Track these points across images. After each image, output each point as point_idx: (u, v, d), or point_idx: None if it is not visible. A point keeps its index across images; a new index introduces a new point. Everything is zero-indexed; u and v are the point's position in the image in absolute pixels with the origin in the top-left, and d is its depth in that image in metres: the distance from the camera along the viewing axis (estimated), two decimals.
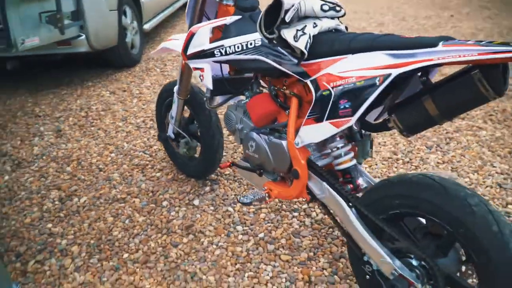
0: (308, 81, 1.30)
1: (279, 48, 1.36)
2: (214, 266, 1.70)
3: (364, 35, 1.22)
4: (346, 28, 1.39)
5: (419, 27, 5.61)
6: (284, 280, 1.61)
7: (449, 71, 1.09)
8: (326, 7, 1.32)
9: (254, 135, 1.56)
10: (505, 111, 2.94)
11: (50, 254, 1.83)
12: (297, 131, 1.38)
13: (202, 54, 1.59)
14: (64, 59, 4.52)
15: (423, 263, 1.17)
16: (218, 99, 1.89)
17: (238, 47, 1.47)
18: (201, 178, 2.26)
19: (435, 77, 1.21)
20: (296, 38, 1.28)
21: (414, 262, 1.19)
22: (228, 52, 1.50)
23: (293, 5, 1.28)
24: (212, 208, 2.05)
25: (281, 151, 1.45)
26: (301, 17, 1.33)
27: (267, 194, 1.53)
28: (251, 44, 1.44)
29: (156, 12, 5.11)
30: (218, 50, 1.53)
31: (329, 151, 1.42)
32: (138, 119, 3.11)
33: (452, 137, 2.61)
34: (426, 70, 1.19)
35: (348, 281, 1.59)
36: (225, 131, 2.74)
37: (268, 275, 1.64)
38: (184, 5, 6.55)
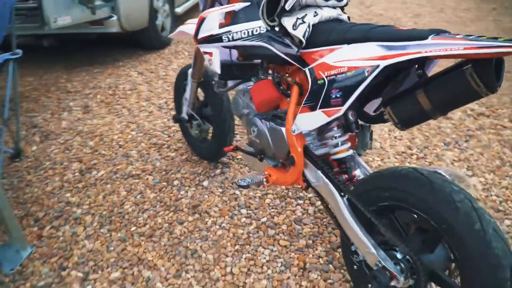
0: (306, 70, 1.32)
1: (281, 35, 1.38)
2: (215, 245, 1.76)
3: (359, 25, 1.22)
4: (349, 18, 1.38)
5: (457, 20, 5.40)
6: (279, 264, 1.65)
7: (447, 64, 1.07)
8: None
9: (257, 120, 1.59)
10: None
11: (65, 221, 1.95)
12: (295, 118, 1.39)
13: (211, 39, 1.63)
14: (99, 39, 4.67)
15: (407, 257, 1.18)
16: (229, 83, 1.93)
17: (244, 33, 1.49)
18: (212, 160, 2.32)
19: (434, 70, 1.20)
20: (295, 27, 1.29)
21: (399, 255, 1.20)
22: (235, 38, 1.53)
23: None
24: (220, 190, 2.11)
25: (280, 137, 1.47)
26: (303, 6, 1.34)
27: (265, 179, 1.56)
28: (256, 30, 1.46)
29: None
30: (225, 36, 1.56)
31: (327, 140, 1.43)
32: (161, 100, 3.20)
33: (473, 134, 2.53)
34: (422, 63, 1.18)
35: (342, 271, 1.61)
36: None
37: (265, 258, 1.68)
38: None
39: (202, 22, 1.66)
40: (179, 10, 4.70)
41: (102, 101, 3.25)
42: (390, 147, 2.42)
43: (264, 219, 1.89)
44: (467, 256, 1.03)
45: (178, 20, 4.64)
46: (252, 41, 1.47)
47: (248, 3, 1.58)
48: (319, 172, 1.39)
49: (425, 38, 1.03)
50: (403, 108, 1.18)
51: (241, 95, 1.77)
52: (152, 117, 2.95)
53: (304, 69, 1.33)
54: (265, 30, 1.43)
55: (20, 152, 2.49)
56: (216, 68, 1.67)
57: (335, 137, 1.40)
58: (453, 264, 1.20)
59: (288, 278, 1.58)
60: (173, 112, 2.99)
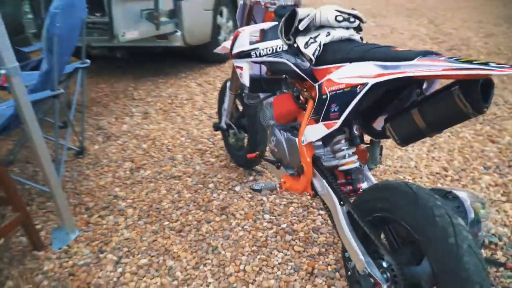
0: (316, 85, 1.42)
1: (298, 53, 1.50)
2: (234, 244, 1.90)
3: (362, 46, 1.30)
4: (361, 38, 1.47)
5: None
6: (289, 267, 1.74)
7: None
8: (340, 18, 1.43)
9: (276, 130, 1.72)
10: None
11: (111, 212, 2.20)
12: None
13: (242, 54, 1.78)
14: (164, 52, 5.07)
15: (392, 266, 1.23)
16: (261, 96, 2.07)
17: (269, 50, 1.63)
18: (247, 168, 2.47)
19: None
20: (306, 45, 1.41)
21: (385, 264, 1.25)
22: (261, 54, 1.67)
23: (308, 15, 1.42)
24: (249, 195, 2.25)
25: (294, 147, 1.59)
26: (317, 27, 1.46)
27: (278, 185, 1.68)
28: (279, 48, 1.59)
29: None
30: (254, 52, 1.71)
31: (337, 153, 1.51)
32: (212, 110, 3.43)
33: None
34: (419, 82, 1.24)
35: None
36: None
37: (277, 260, 1.78)
38: None
39: (236, 39, 1.83)
40: None
41: (161, 109, 3.56)
42: (425, 167, 2.41)
43: (284, 225, 1.99)
44: (441, 270, 1.07)
45: None
46: (275, 57, 1.61)
47: (276, 23, 1.73)
48: (324, 181, 1.48)
49: (412, 59, 1.10)
50: (400, 126, 1.25)
51: (268, 107, 1.90)
52: (202, 125, 3.18)
53: (315, 84, 1.44)
54: (286, 48, 1.56)
55: (83, 150, 2.83)
56: (246, 81, 1.82)
57: (342, 150, 1.48)
58: None
59: (295, 280, 1.67)
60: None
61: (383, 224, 1.32)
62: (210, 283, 1.69)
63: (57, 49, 2.15)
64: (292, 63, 1.53)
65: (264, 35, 1.75)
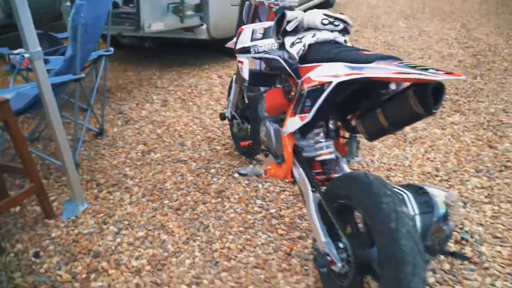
0: (299, 81, 1.55)
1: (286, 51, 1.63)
2: (224, 224, 2.06)
3: (338, 48, 1.42)
4: (345, 41, 1.58)
5: None
6: (270, 248, 1.88)
7: None
8: (326, 21, 1.54)
9: (267, 122, 1.86)
10: None
11: (118, 189, 2.40)
12: None
13: (243, 50, 1.93)
14: (191, 44, 5.27)
15: (347, 247, 1.35)
16: (260, 89, 2.21)
17: (266, 48, 1.77)
18: (249, 157, 2.62)
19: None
20: (292, 45, 1.54)
21: (341, 245, 1.37)
22: (259, 51, 1.82)
23: (296, 18, 1.55)
24: (246, 182, 2.40)
25: (279, 137, 1.72)
26: (305, 28, 1.58)
27: (263, 171, 1.82)
28: (274, 46, 1.73)
29: None
30: (253, 49, 1.86)
31: (316, 144, 1.64)
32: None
33: (511, 166, 2.46)
34: (385, 83, 1.35)
35: None
36: None
37: (260, 241, 1.93)
38: (316, 5, 6.93)
39: (239, 35, 1.98)
40: None
41: (180, 98, 3.75)
42: (418, 166, 2.48)
43: (273, 211, 2.13)
44: (383, 251, 1.18)
45: None
46: (270, 54, 1.75)
47: None
48: (300, 169, 1.61)
49: (372, 62, 1.22)
50: (367, 123, 1.37)
51: (264, 100, 2.04)
52: (215, 115, 3.35)
53: (298, 80, 1.57)
54: (279, 46, 1.70)
55: (103, 131, 3.05)
56: (245, 75, 1.97)
57: (320, 142, 1.61)
58: None
59: (273, 259, 1.81)
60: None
61: (347, 211, 1.44)
62: (196, 256, 1.86)
63: (81, 38, 2.36)
64: (283, 60, 1.66)
65: (265, 34, 1.89)
